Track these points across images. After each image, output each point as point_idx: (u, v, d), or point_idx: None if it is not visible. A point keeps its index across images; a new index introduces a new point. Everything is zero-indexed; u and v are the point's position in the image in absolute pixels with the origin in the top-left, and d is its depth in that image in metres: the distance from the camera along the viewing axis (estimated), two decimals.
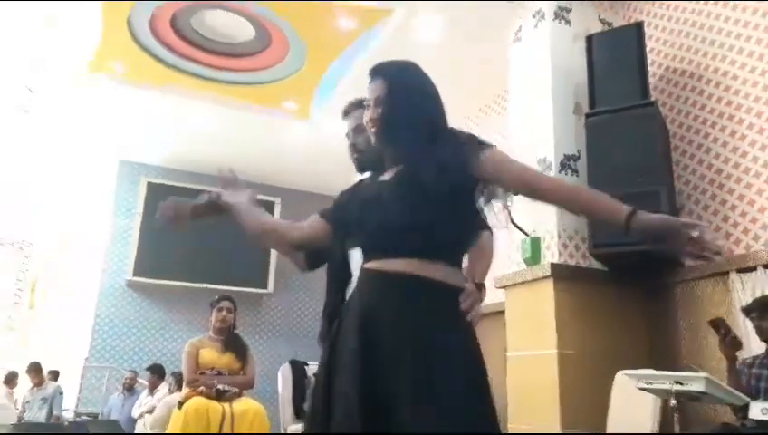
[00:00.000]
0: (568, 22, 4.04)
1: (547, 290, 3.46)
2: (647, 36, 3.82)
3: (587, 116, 3.67)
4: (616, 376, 3.19)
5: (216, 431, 3.51)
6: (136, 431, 6.00)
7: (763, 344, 2.71)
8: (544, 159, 3.76)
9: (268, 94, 6.01)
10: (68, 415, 6.96)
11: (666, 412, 2.84)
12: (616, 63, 3.66)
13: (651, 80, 3.82)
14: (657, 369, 2.80)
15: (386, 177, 1.56)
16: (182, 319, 7.45)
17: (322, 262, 2.00)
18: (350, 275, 1.79)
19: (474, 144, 1.48)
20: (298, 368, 5.11)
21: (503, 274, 3.77)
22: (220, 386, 3.69)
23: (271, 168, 7.58)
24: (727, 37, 3.62)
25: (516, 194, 1.49)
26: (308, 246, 1.72)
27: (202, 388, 3.68)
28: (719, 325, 2.72)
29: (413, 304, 1.39)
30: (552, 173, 3.62)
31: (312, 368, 4.69)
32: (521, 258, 3.72)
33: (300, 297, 8.23)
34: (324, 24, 4.84)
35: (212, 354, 3.85)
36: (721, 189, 3.48)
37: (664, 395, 2.70)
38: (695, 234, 1.24)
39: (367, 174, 1.75)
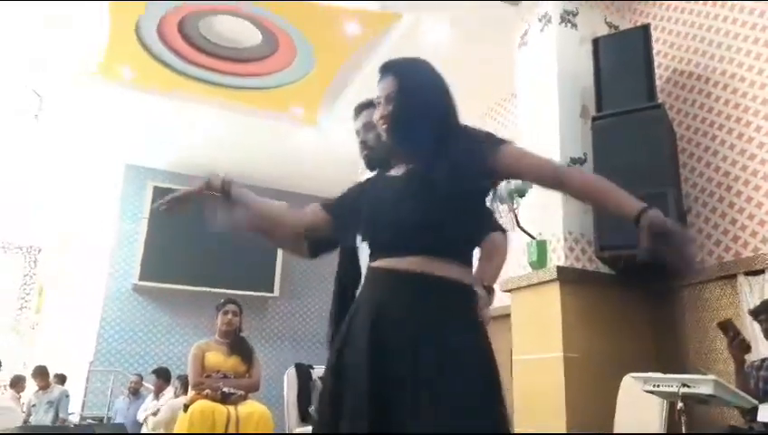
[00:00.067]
0: (574, 25, 4.03)
1: (553, 293, 3.45)
2: (653, 39, 3.81)
3: (593, 119, 3.66)
4: (623, 379, 3.17)
5: (221, 434, 3.51)
6: None
7: None
8: None
9: (275, 99, 6.04)
10: (74, 419, 6.97)
11: (673, 415, 2.82)
12: (623, 66, 3.65)
13: (658, 82, 3.80)
14: (663, 372, 2.77)
15: (396, 174, 1.54)
16: (188, 323, 7.48)
17: (325, 250, 1.97)
18: (359, 278, 1.77)
19: (492, 140, 1.49)
20: (303, 371, 5.09)
21: (509, 277, 3.76)
22: (226, 389, 3.68)
23: (277, 173, 7.61)
24: (734, 40, 3.61)
25: (535, 183, 1.52)
26: (307, 233, 1.72)
27: (207, 391, 3.67)
28: (728, 327, 2.71)
29: (424, 302, 1.38)
30: None
31: (318, 371, 4.68)
32: (527, 261, 3.71)
33: (305, 301, 8.24)
34: (332, 28, 4.86)
35: (218, 357, 3.85)
36: (728, 192, 3.47)
37: (671, 398, 2.68)
38: (687, 247, 1.27)
39: (376, 172, 1.74)
